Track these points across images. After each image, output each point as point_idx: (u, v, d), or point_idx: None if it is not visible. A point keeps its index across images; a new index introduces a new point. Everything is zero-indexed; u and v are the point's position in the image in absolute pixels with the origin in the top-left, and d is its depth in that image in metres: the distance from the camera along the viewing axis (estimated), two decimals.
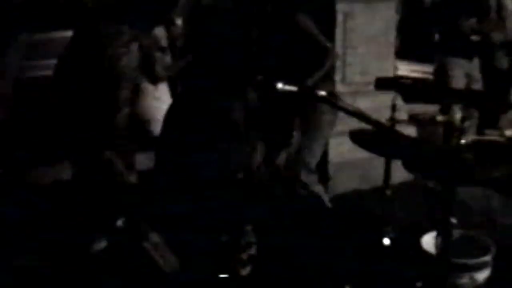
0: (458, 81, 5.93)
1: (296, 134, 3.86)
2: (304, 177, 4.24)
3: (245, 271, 3.04)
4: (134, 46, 3.73)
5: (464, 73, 5.94)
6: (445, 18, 6.09)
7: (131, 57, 3.73)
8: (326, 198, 4.40)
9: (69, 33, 3.98)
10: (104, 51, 3.67)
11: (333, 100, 2.27)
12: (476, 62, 6.02)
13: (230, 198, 3.20)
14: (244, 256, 3.05)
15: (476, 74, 6.04)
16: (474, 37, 5.89)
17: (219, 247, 3.04)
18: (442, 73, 6.04)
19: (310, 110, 4.10)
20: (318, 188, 4.39)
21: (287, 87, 2.21)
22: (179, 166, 3.39)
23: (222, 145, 3.25)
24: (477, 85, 6.05)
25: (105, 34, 3.70)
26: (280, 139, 3.78)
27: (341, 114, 3.63)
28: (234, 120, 3.36)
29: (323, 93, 2.28)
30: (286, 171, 3.95)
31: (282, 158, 3.88)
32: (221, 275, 2.93)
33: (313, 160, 4.29)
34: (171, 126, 3.74)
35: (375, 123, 2.30)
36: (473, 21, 5.84)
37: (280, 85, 2.21)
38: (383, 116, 3.43)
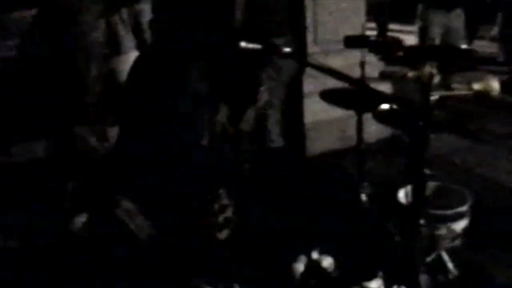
0: (434, 34, 5.97)
1: (262, 90, 3.85)
2: (269, 134, 4.28)
3: (222, 235, 3.04)
4: (101, 22, 3.68)
5: (442, 25, 5.97)
6: None
7: (98, 33, 3.67)
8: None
9: (30, 12, 3.91)
10: (71, 27, 3.60)
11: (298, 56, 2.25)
12: (457, 12, 6.04)
13: (198, 164, 3.18)
14: (220, 219, 3.03)
15: (457, 25, 6.06)
16: None
17: (192, 213, 3.02)
18: (423, 34, 6.08)
19: (270, 66, 4.12)
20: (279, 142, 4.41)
21: (251, 45, 2.17)
22: (144, 134, 3.37)
23: (184, 110, 3.23)
24: (457, 36, 6.08)
25: (71, 10, 3.62)
26: (246, 96, 3.76)
27: (314, 73, 3.63)
28: (194, 83, 3.34)
29: (288, 49, 2.25)
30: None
31: (250, 115, 3.88)
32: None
33: (277, 115, 4.33)
34: (133, 90, 3.71)
35: (346, 78, 2.28)
36: None
37: (243, 44, 2.17)
38: (355, 72, 3.44)
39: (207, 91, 3.15)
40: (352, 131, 3.64)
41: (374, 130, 3.86)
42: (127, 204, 3.10)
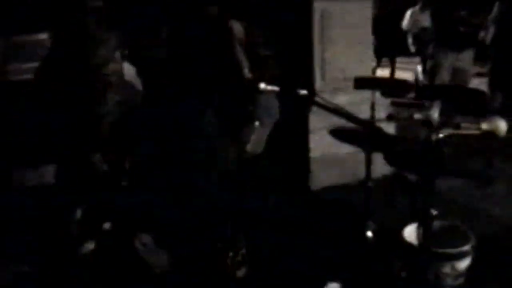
0: (443, 76, 6.06)
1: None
2: None
3: (241, 272, 3.09)
4: (118, 54, 3.76)
5: (451, 65, 6.07)
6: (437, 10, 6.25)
7: (115, 64, 3.75)
8: None
9: (46, 36, 3.95)
10: (90, 58, 3.66)
11: (313, 99, 2.34)
12: (467, 53, 6.15)
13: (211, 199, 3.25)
14: (239, 257, 3.09)
15: (465, 65, 6.16)
16: (462, 29, 6.03)
17: (211, 248, 3.07)
18: (433, 74, 6.18)
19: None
20: None
21: (270, 87, 2.27)
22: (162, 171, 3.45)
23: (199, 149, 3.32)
24: (465, 76, 6.18)
25: (89, 41, 3.68)
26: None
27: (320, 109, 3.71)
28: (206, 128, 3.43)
29: (304, 91, 2.34)
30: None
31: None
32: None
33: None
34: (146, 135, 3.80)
35: (356, 120, 2.37)
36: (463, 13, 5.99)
37: (263, 85, 2.27)
38: (362, 111, 3.52)
39: (219, 131, 3.23)
40: (357, 167, 3.69)
41: (379, 166, 3.92)
42: (145, 237, 3.15)
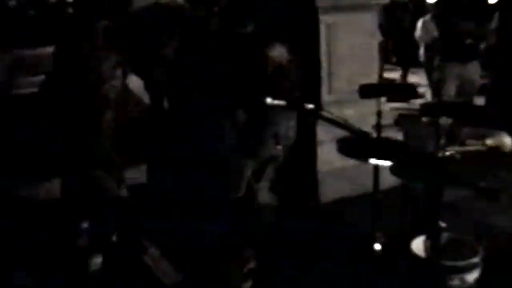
0: (450, 88, 6.05)
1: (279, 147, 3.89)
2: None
3: (247, 285, 3.09)
4: (119, 71, 3.77)
5: (458, 77, 6.06)
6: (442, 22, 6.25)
7: (115, 81, 3.76)
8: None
9: (50, 50, 3.96)
10: (90, 74, 3.67)
11: (319, 113, 2.34)
12: (473, 64, 6.14)
13: (225, 216, 3.25)
14: (245, 270, 3.09)
15: (473, 77, 6.15)
16: (468, 40, 6.03)
17: (218, 261, 3.07)
18: (439, 86, 6.17)
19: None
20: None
21: (276, 102, 2.28)
22: (174, 185, 3.44)
23: (215, 169, 3.31)
24: (472, 88, 6.17)
25: (90, 58, 3.69)
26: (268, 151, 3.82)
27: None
28: (224, 141, 3.42)
29: (311, 106, 2.34)
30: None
31: (269, 172, 3.91)
32: None
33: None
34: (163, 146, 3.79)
35: (360, 132, 2.37)
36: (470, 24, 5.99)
37: (269, 100, 2.27)
38: (370, 122, 3.52)
39: (236, 145, 3.23)
40: (366, 178, 3.69)
41: (387, 177, 3.91)
42: (153, 250, 3.15)
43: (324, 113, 2.41)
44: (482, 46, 6.38)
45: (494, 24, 6.71)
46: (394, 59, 12.49)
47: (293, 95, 3.63)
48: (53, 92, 3.82)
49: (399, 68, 11.71)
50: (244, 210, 3.55)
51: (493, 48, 6.70)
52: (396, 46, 11.28)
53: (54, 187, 4.32)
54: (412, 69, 11.09)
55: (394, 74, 11.64)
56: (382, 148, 3.05)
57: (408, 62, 11.03)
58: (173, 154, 3.66)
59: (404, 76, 11.28)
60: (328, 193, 5.10)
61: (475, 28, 6.10)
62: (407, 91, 4.97)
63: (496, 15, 6.79)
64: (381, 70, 10.06)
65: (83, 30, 3.80)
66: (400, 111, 5.86)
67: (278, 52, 3.73)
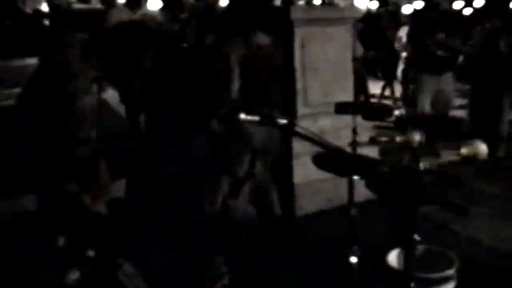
0: (424, 101, 6.12)
1: (258, 163, 3.88)
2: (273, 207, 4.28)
3: None
4: (94, 87, 3.74)
5: (432, 89, 6.14)
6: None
7: (90, 97, 3.73)
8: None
9: (28, 62, 3.94)
10: (64, 89, 3.63)
11: (292, 128, 2.35)
12: (447, 76, 6.22)
13: (199, 232, 3.24)
14: (219, 286, 3.09)
15: (447, 88, 6.23)
16: (440, 52, 6.12)
17: (192, 278, 3.06)
18: (414, 97, 6.25)
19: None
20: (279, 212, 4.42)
21: (249, 117, 2.28)
22: (151, 201, 3.43)
23: (191, 182, 3.31)
24: (447, 99, 6.25)
25: (65, 73, 3.64)
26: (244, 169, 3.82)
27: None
28: (199, 155, 3.42)
29: (284, 121, 2.36)
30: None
31: (246, 188, 3.91)
32: None
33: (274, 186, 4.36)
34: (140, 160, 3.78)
35: (335, 149, 2.39)
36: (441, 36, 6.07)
37: (243, 116, 2.28)
38: (344, 135, 3.54)
39: (210, 160, 3.23)
40: (341, 192, 3.70)
41: (363, 190, 3.93)
42: (128, 267, 3.13)
43: (298, 129, 2.41)
44: (459, 58, 6.47)
45: (474, 41, 6.81)
46: (379, 73, 12.56)
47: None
48: (29, 105, 3.78)
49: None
50: (219, 225, 3.55)
51: (472, 60, 6.77)
52: (379, 59, 11.33)
53: (29, 202, 4.29)
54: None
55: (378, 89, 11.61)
56: (357, 165, 3.06)
57: (390, 75, 11.02)
58: (150, 170, 3.66)
59: (384, 88, 11.26)
60: (304, 206, 5.12)
61: (446, 40, 6.19)
62: (383, 111, 5.00)
63: (477, 29, 6.87)
64: (365, 86, 10.02)
65: (59, 42, 3.78)
66: (375, 123, 5.87)
67: (262, 39, 3.76)
